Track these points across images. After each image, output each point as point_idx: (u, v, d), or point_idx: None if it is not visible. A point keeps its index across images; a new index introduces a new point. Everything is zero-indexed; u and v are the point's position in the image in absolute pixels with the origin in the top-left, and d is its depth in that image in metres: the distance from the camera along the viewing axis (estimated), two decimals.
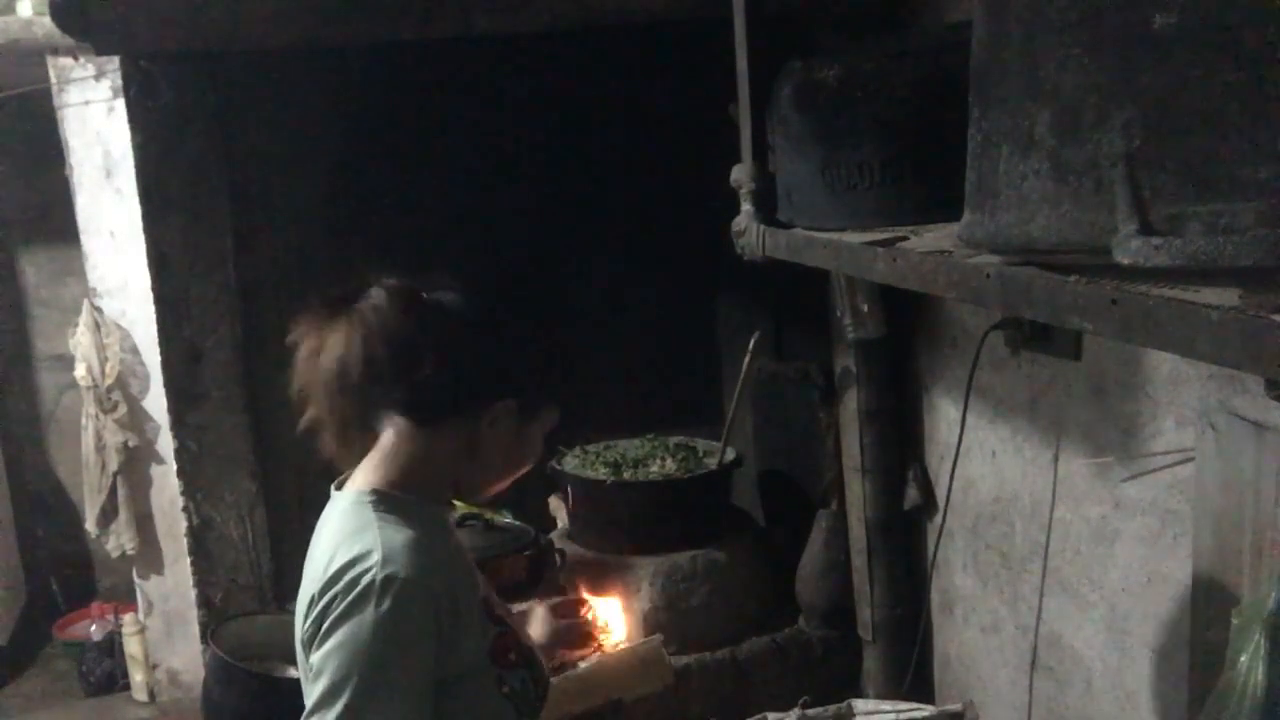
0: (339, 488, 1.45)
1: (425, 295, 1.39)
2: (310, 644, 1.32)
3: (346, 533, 1.35)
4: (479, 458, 1.42)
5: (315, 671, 1.29)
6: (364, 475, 1.41)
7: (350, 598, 1.28)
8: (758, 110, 1.72)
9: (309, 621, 1.33)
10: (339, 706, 1.26)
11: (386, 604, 1.28)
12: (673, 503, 2.73)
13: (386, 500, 1.38)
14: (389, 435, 1.41)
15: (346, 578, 1.30)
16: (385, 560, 1.30)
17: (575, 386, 3.08)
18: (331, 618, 1.29)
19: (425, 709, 1.33)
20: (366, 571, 1.29)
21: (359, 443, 1.41)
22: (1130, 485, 1.82)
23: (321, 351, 1.35)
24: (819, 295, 2.63)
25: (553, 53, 2.62)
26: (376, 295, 1.37)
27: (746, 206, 1.75)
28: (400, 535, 1.33)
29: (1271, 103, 0.81)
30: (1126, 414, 1.80)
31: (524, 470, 1.50)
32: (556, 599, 1.96)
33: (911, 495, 2.55)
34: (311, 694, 1.30)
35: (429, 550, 1.35)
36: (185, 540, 2.64)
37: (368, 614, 1.28)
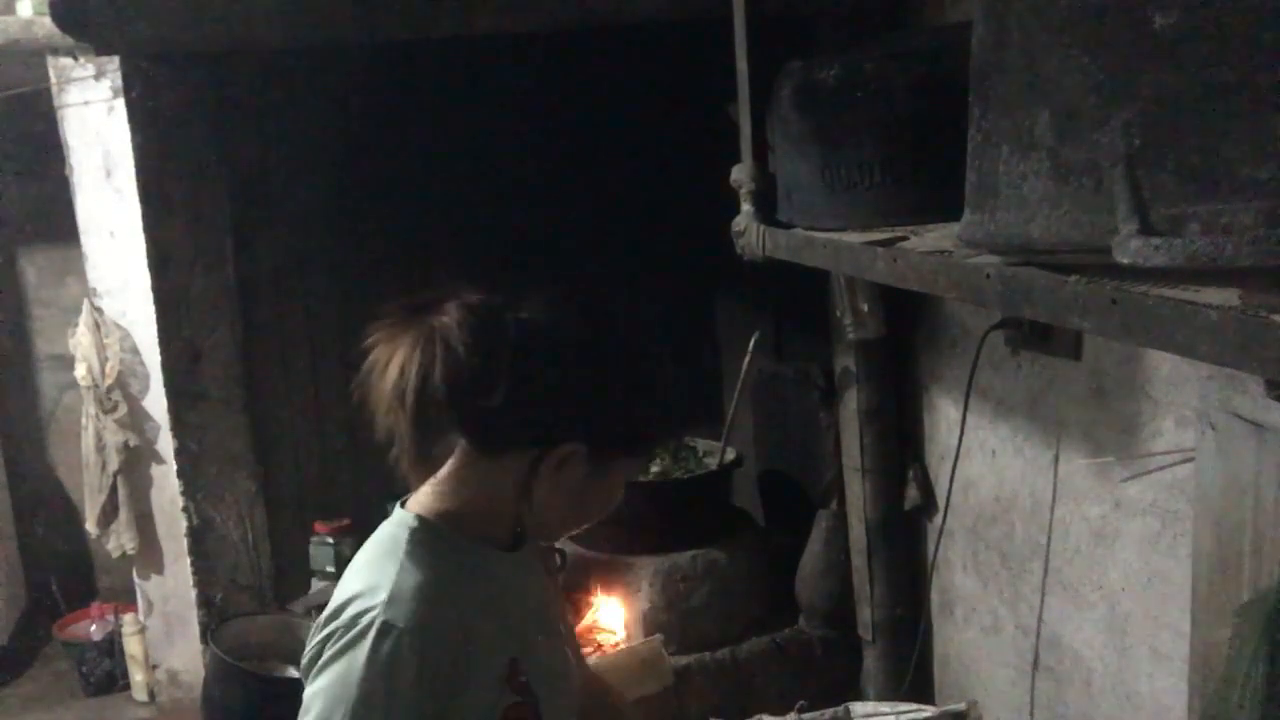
0: (403, 504, 1.36)
1: (507, 315, 1.27)
2: (308, 671, 1.27)
3: (372, 557, 1.30)
4: (535, 498, 1.30)
5: (305, 706, 1.25)
6: (418, 499, 1.33)
7: (347, 636, 1.23)
8: (758, 110, 1.72)
9: (312, 645, 1.28)
10: None
11: (381, 651, 1.21)
12: (673, 503, 2.73)
13: (426, 531, 1.30)
14: (454, 460, 1.32)
15: (350, 611, 1.24)
16: (390, 602, 1.23)
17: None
18: (328, 653, 1.24)
19: None
20: (368, 610, 1.23)
21: (426, 461, 1.31)
22: (1130, 485, 1.82)
23: (389, 365, 1.24)
24: (819, 295, 2.63)
25: (553, 53, 2.62)
26: (454, 310, 1.25)
27: (746, 206, 1.75)
28: (417, 577, 1.25)
29: (1271, 103, 0.81)
30: (1126, 414, 1.80)
31: (597, 520, 1.39)
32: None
33: (911, 495, 2.55)
34: None
35: (448, 598, 1.27)
36: (185, 540, 2.64)
37: (359, 658, 1.21)
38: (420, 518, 1.30)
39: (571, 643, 1.53)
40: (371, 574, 1.27)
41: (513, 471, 1.29)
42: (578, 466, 1.29)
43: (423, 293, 1.28)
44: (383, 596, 1.23)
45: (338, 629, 1.24)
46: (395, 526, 1.32)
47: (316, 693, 1.24)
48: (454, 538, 1.31)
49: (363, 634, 1.22)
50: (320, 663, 1.25)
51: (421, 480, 1.33)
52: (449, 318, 1.24)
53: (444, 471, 1.33)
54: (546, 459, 1.28)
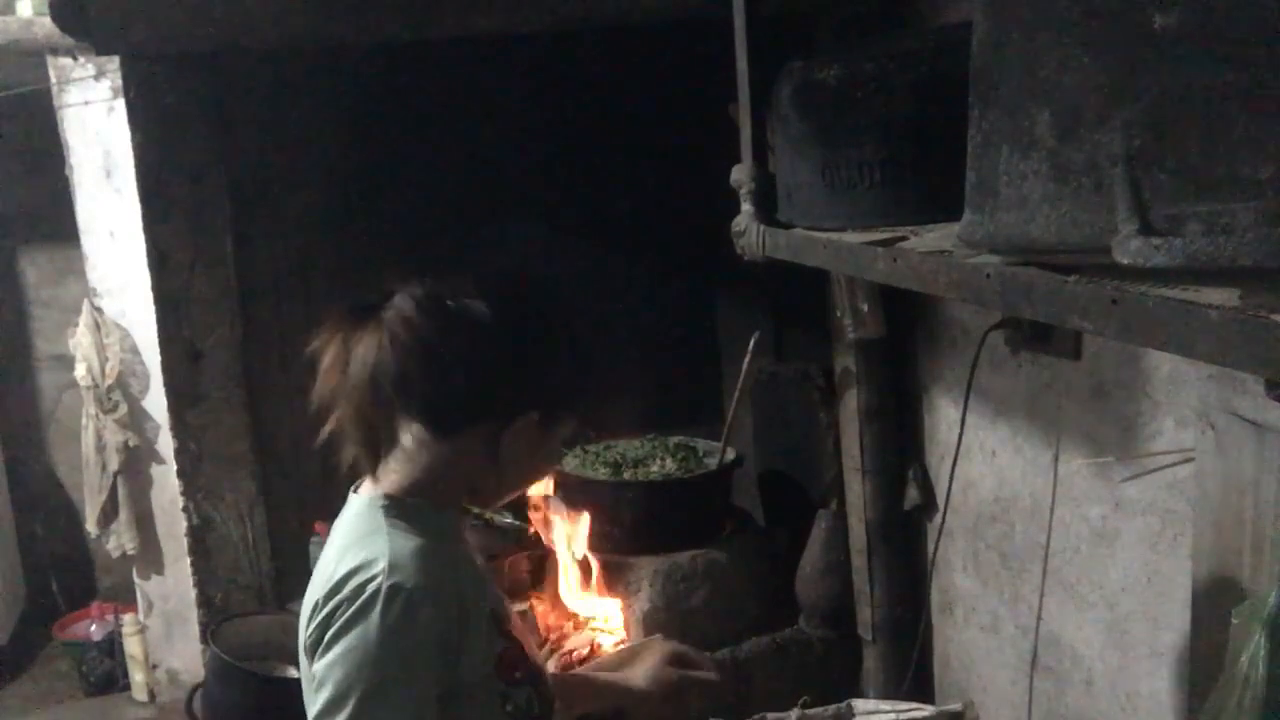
0: (356, 490, 1.42)
1: (451, 303, 1.35)
2: (313, 650, 1.31)
3: (355, 538, 1.33)
4: (498, 467, 1.39)
5: (318, 681, 1.28)
6: (379, 480, 1.39)
7: (355, 606, 1.27)
8: (758, 110, 1.71)
9: (313, 627, 1.31)
10: (341, 717, 1.25)
11: (391, 614, 1.26)
12: (673, 503, 2.73)
13: (399, 506, 1.36)
14: (408, 441, 1.38)
15: (351, 584, 1.28)
16: (392, 568, 1.28)
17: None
18: (335, 626, 1.27)
19: (429, 717, 1.31)
20: (372, 579, 1.27)
21: (382, 450, 1.39)
22: (1130, 485, 1.82)
23: (348, 363, 1.31)
24: (819, 295, 2.63)
25: (553, 53, 2.62)
26: (402, 304, 1.33)
27: (746, 206, 1.75)
28: (409, 543, 1.31)
29: (1271, 103, 0.81)
30: (1126, 414, 1.80)
31: (542, 478, 1.48)
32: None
33: (911, 495, 2.55)
34: (314, 703, 1.28)
35: (438, 558, 1.33)
36: (185, 540, 2.64)
37: (372, 623, 1.26)
38: (388, 495, 1.36)
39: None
40: (362, 550, 1.31)
41: (469, 448, 1.37)
42: (531, 434, 1.37)
43: (366, 291, 1.35)
44: (382, 565, 1.28)
45: (341, 602, 1.28)
46: (366, 507, 1.37)
47: (331, 663, 1.27)
48: (424, 507, 1.37)
49: (371, 600, 1.26)
50: (329, 636, 1.28)
51: (371, 469, 1.39)
52: (395, 312, 1.31)
53: (397, 456, 1.38)
54: (505, 433, 1.36)
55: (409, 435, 1.37)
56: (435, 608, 1.30)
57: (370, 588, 1.27)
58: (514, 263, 2.60)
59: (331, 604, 1.28)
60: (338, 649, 1.27)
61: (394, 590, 1.27)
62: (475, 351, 1.33)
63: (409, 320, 1.31)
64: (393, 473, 1.38)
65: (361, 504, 1.38)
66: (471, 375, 1.33)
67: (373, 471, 1.39)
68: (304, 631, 1.34)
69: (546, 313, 1.42)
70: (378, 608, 1.26)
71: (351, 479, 1.43)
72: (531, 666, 1.46)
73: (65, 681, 4.19)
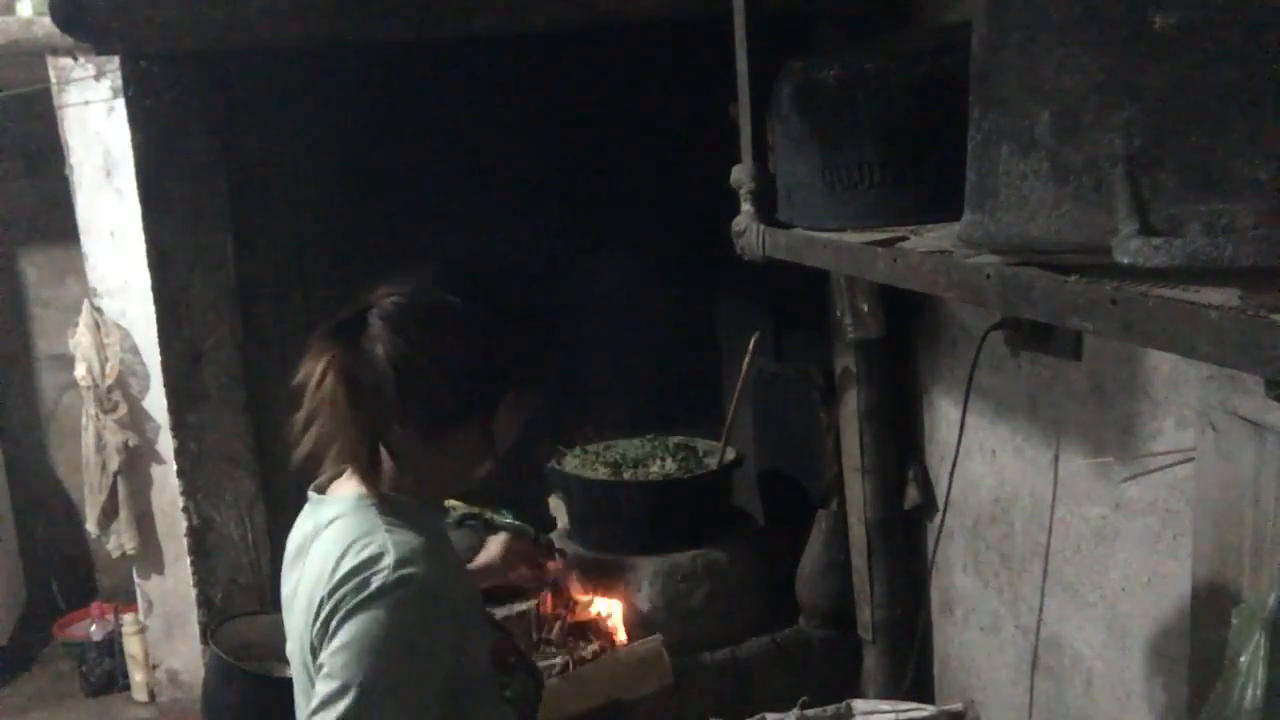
0: (321, 491, 1.44)
1: (421, 306, 1.36)
2: (318, 646, 1.31)
3: (353, 535, 1.34)
4: (495, 451, 1.42)
5: (326, 671, 1.28)
6: (358, 480, 1.39)
7: (362, 596, 1.28)
8: (758, 110, 1.72)
9: (316, 624, 1.31)
10: (344, 705, 1.25)
11: (400, 605, 1.27)
12: (673, 503, 2.73)
13: (390, 505, 1.37)
14: (395, 445, 1.39)
15: (359, 578, 1.29)
16: (398, 562, 1.29)
17: (576, 386, 3.09)
18: (341, 614, 1.28)
19: (432, 712, 1.32)
20: (378, 572, 1.28)
21: (365, 459, 1.39)
22: (1130, 485, 1.82)
23: (327, 381, 1.33)
24: (819, 295, 2.63)
25: (553, 52, 2.62)
26: (374, 320, 1.35)
27: (746, 206, 1.75)
28: (410, 539, 1.33)
29: (1271, 103, 0.81)
30: (1126, 414, 1.80)
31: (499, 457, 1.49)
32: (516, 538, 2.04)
33: (911, 495, 2.55)
34: (318, 693, 1.29)
35: (437, 555, 1.35)
36: (185, 540, 2.64)
37: (380, 613, 1.27)
38: (381, 496, 1.37)
39: None
40: (364, 547, 1.32)
41: (463, 441, 1.39)
42: (513, 411, 1.41)
43: (342, 308, 1.37)
44: (389, 559, 1.29)
45: (346, 594, 1.29)
46: (353, 508, 1.37)
47: (335, 651, 1.28)
48: (414, 506, 1.39)
49: (381, 590, 1.28)
50: (335, 624, 1.28)
51: (367, 477, 1.39)
52: (373, 327, 1.34)
53: (383, 461, 1.39)
54: (497, 418, 1.39)
55: (395, 440, 1.38)
56: (440, 602, 1.32)
57: (377, 581, 1.28)
58: (489, 261, 2.61)
59: (337, 597, 1.29)
60: (343, 637, 1.27)
61: (402, 582, 1.28)
62: (459, 346, 1.36)
63: (383, 336, 1.33)
64: (377, 479, 1.39)
65: (347, 504, 1.38)
66: (461, 369, 1.36)
67: (368, 480, 1.38)
68: (304, 631, 1.34)
69: (505, 291, 1.46)
70: (387, 597, 1.27)
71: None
72: (521, 652, 1.52)
73: (65, 681, 4.19)
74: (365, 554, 1.30)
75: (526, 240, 2.83)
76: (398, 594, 1.27)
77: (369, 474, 1.37)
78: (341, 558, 1.32)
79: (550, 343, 1.48)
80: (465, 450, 1.41)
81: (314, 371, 1.34)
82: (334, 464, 1.40)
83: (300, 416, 1.36)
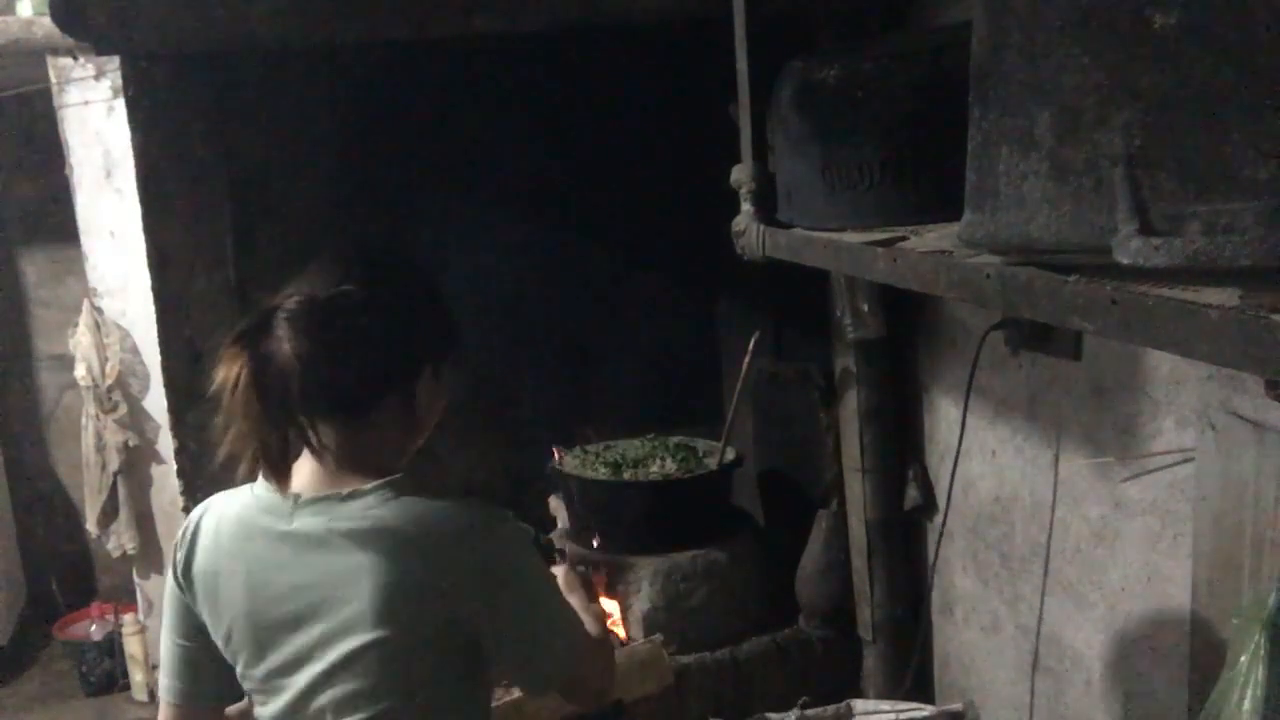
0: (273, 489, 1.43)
1: (320, 301, 1.38)
2: (470, 624, 1.36)
3: (432, 518, 1.36)
4: (418, 426, 1.46)
5: (531, 631, 1.38)
6: (340, 478, 1.40)
7: (510, 555, 1.38)
8: (758, 110, 1.72)
9: (452, 606, 1.34)
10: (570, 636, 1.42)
11: (510, 524, 1.39)
12: (673, 503, 2.73)
13: (396, 486, 1.38)
14: (327, 443, 1.39)
15: (451, 535, 1.36)
16: (485, 519, 1.37)
17: (575, 386, 3.09)
18: (498, 577, 1.36)
19: None
20: (472, 525, 1.36)
21: (286, 460, 1.42)
22: (1130, 485, 1.82)
23: (239, 386, 1.36)
24: (819, 295, 2.63)
25: (552, 53, 2.62)
26: (279, 321, 1.38)
27: (746, 206, 1.75)
28: (447, 502, 1.38)
29: (1271, 103, 0.81)
30: (1126, 414, 1.80)
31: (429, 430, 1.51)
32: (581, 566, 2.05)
33: (911, 495, 2.55)
34: (543, 645, 1.40)
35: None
36: None
37: (495, 535, 1.37)
38: (387, 482, 1.38)
39: None
40: (444, 525, 1.37)
41: (377, 426, 1.41)
42: (431, 386, 1.44)
43: (248, 315, 1.42)
44: (469, 516, 1.37)
45: (491, 557, 1.36)
46: (378, 501, 1.37)
47: (528, 604, 1.39)
48: (408, 485, 1.41)
49: (488, 522, 1.37)
50: (498, 588, 1.36)
51: (282, 479, 1.41)
52: (277, 329, 1.37)
53: (323, 459, 1.40)
54: (414, 396, 1.42)
55: (327, 438, 1.39)
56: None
57: (476, 526, 1.36)
58: (490, 262, 2.63)
59: (481, 569, 1.35)
60: (517, 590, 1.37)
61: (505, 518, 1.38)
62: (361, 334, 1.38)
63: (294, 330, 1.35)
64: (349, 466, 1.41)
65: (366, 504, 1.36)
66: (365, 357, 1.38)
67: (275, 472, 1.40)
68: (378, 612, 1.33)
69: (409, 275, 1.49)
70: (498, 526, 1.37)
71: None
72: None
73: (65, 681, 4.19)
74: (454, 527, 1.36)
75: (526, 240, 2.83)
76: (501, 523, 1.37)
77: (279, 469, 1.40)
78: (440, 540, 1.35)
79: (454, 323, 1.50)
80: (390, 431, 1.43)
81: (228, 378, 1.37)
82: (251, 463, 1.41)
83: (219, 421, 1.39)
